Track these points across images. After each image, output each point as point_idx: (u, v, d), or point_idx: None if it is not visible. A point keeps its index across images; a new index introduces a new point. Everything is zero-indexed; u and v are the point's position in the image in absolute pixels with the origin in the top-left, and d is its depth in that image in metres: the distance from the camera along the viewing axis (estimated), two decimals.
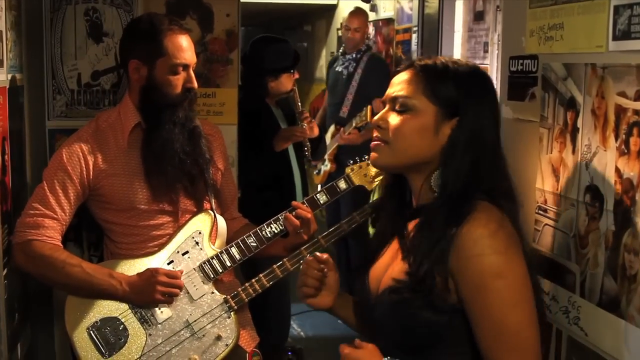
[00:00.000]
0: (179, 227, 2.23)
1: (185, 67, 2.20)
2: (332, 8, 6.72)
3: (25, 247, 2.11)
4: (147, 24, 2.21)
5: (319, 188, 2.50)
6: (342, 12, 6.04)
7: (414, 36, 4.39)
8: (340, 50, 4.93)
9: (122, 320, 2.13)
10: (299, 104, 3.57)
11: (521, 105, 1.90)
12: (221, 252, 2.21)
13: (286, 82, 3.50)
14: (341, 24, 4.94)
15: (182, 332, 2.15)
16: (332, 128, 4.64)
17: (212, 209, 2.28)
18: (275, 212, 2.28)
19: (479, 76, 1.53)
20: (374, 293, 1.56)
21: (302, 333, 4.41)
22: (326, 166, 4.49)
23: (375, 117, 1.54)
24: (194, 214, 2.26)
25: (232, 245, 2.22)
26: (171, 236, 2.22)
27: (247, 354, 2.20)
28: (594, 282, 1.57)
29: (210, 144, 2.31)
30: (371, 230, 1.90)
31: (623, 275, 1.47)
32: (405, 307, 1.43)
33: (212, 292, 2.19)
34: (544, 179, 1.79)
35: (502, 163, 1.50)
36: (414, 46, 4.48)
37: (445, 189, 1.45)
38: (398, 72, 1.56)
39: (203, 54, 2.83)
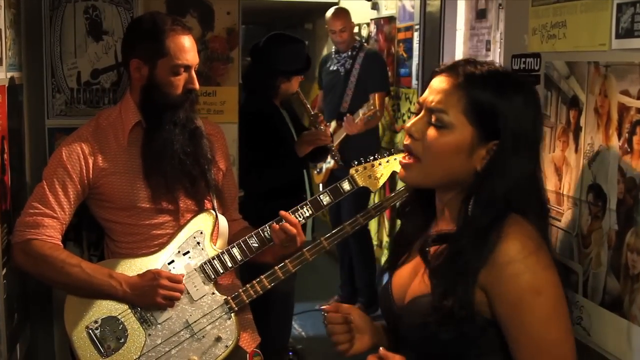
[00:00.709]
0: (180, 227, 2.22)
1: (187, 68, 2.18)
2: (333, 6, 6.70)
3: (25, 247, 2.10)
4: (149, 24, 2.19)
5: (321, 187, 2.48)
6: None
7: (416, 34, 4.36)
8: (334, 49, 4.91)
9: (122, 320, 2.12)
10: (309, 106, 3.54)
11: None
12: (222, 253, 2.20)
13: (295, 84, 3.47)
14: (326, 27, 4.90)
15: (182, 332, 2.13)
16: (333, 124, 4.62)
17: (214, 209, 2.27)
18: None
19: (530, 103, 1.41)
20: (398, 303, 1.52)
21: (303, 333, 4.39)
22: (328, 163, 4.47)
23: (409, 124, 1.46)
24: (196, 214, 2.25)
25: (234, 246, 2.20)
26: (172, 235, 2.21)
27: (248, 354, 2.19)
28: (597, 281, 1.57)
29: (212, 144, 2.30)
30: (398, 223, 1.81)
31: (626, 274, 1.47)
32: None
33: (213, 293, 2.18)
34: (546, 178, 1.78)
35: (539, 187, 1.44)
36: (415, 44, 4.47)
37: (475, 221, 1.37)
38: (438, 73, 1.45)
39: (203, 52, 2.82)
